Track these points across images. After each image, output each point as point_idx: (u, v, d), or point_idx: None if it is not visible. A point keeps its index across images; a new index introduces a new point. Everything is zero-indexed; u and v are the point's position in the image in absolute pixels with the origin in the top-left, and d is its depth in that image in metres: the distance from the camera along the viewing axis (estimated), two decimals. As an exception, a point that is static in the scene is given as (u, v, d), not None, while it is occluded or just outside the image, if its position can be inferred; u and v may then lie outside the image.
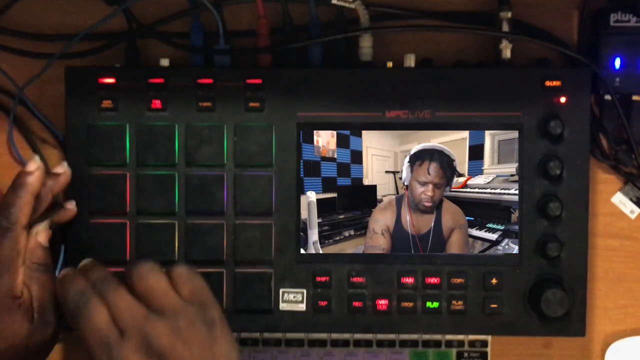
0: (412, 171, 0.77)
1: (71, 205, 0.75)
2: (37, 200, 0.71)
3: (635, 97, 0.79)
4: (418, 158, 0.77)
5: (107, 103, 0.76)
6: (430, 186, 0.77)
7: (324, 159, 0.77)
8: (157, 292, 0.64)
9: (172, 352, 0.62)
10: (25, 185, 0.69)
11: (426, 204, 0.77)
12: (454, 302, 0.76)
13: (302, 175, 0.76)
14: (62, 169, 0.74)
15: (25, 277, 0.69)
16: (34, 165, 0.70)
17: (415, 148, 0.77)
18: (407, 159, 0.77)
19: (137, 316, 0.63)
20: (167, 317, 0.63)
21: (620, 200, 0.82)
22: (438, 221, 0.77)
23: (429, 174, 0.77)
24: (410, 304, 0.76)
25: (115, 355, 0.61)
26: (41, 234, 0.71)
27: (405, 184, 0.77)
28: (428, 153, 0.77)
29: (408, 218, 0.77)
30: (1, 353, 0.68)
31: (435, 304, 0.76)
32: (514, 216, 0.76)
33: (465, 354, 0.81)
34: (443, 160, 0.77)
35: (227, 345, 0.64)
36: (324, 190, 0.77)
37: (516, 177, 0.76)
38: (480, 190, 0.77)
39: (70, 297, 0.65)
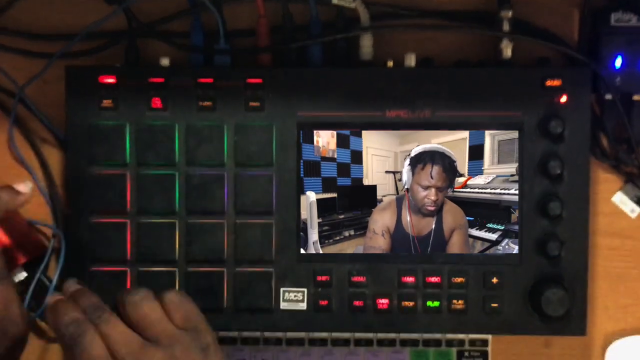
0: (413, 174, 0.77)
1: (24, 188, 0.73)
2: None
3: (636, 97, 0.78)
4: (419, 161, 0.76)
5: (107, 102, 0.76)
6: (433, 190, 0.77)
7: (324, 159, 0.77)
8: (151, 321, 0.63)
9: None
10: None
11: (429, 208, 0.77)
12: (454, 301, 0.76)
13: (302, 175, 0.76)
14: (25, 188, 0.72)
15: None
16: (24, 187, 0.72)
17: (415, 150, 0.76)
18: (407, 161, 0.76)
19: (133, 347, 0.61)
20: (163, 346, 0.62)
21: (621, 200, 0.82)
22: (439, 222, 0.77)
23: (431, 177, 0.76)
24: (411, 303, 0.76)
25: None
26: None
27: (406, 187, 0.77)
28: (429, 155, 0.76)
29: (409, 219, 0.77)
30: None
31: (436, 303, 0.76)
32: (514, 216, 0.76)
33: (466, 353, 0.81)
34: (445, 162, 0.76)
35: None
36: (324, 190, 0.77)
37: (516, 177, 0.76)
38: (480, 190, 0.77)
39: (63, 326, 0.62)
